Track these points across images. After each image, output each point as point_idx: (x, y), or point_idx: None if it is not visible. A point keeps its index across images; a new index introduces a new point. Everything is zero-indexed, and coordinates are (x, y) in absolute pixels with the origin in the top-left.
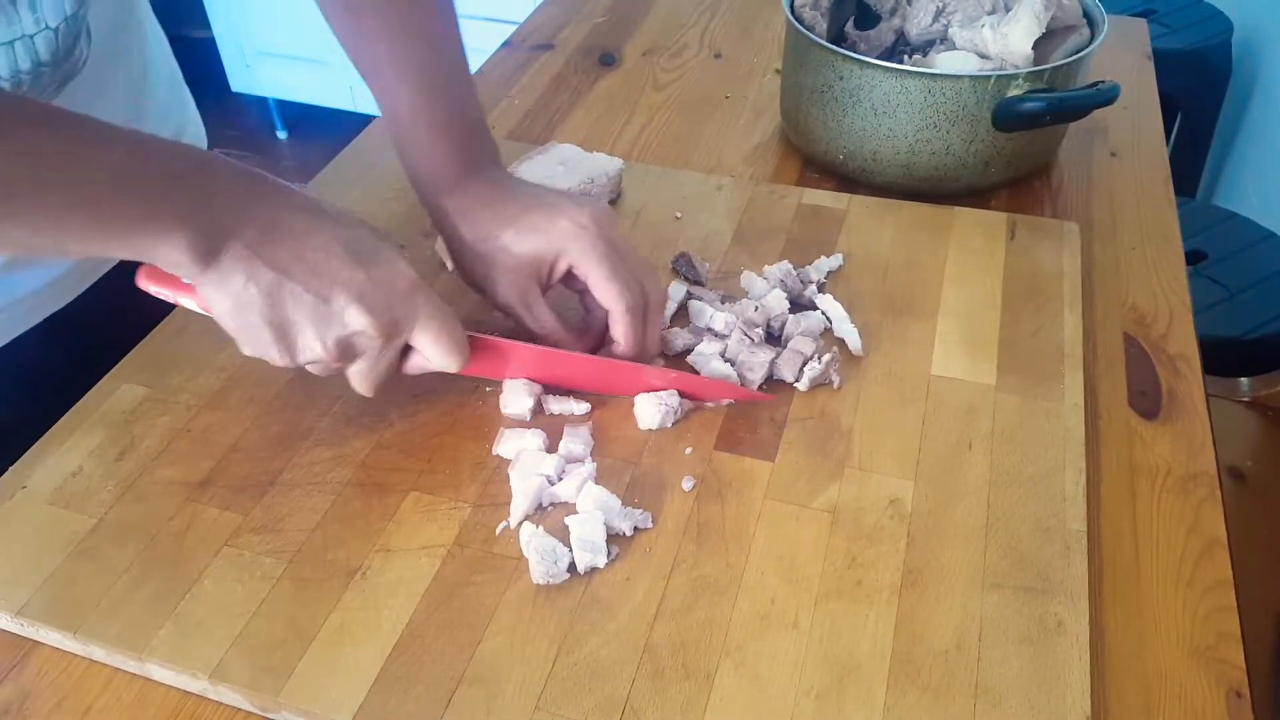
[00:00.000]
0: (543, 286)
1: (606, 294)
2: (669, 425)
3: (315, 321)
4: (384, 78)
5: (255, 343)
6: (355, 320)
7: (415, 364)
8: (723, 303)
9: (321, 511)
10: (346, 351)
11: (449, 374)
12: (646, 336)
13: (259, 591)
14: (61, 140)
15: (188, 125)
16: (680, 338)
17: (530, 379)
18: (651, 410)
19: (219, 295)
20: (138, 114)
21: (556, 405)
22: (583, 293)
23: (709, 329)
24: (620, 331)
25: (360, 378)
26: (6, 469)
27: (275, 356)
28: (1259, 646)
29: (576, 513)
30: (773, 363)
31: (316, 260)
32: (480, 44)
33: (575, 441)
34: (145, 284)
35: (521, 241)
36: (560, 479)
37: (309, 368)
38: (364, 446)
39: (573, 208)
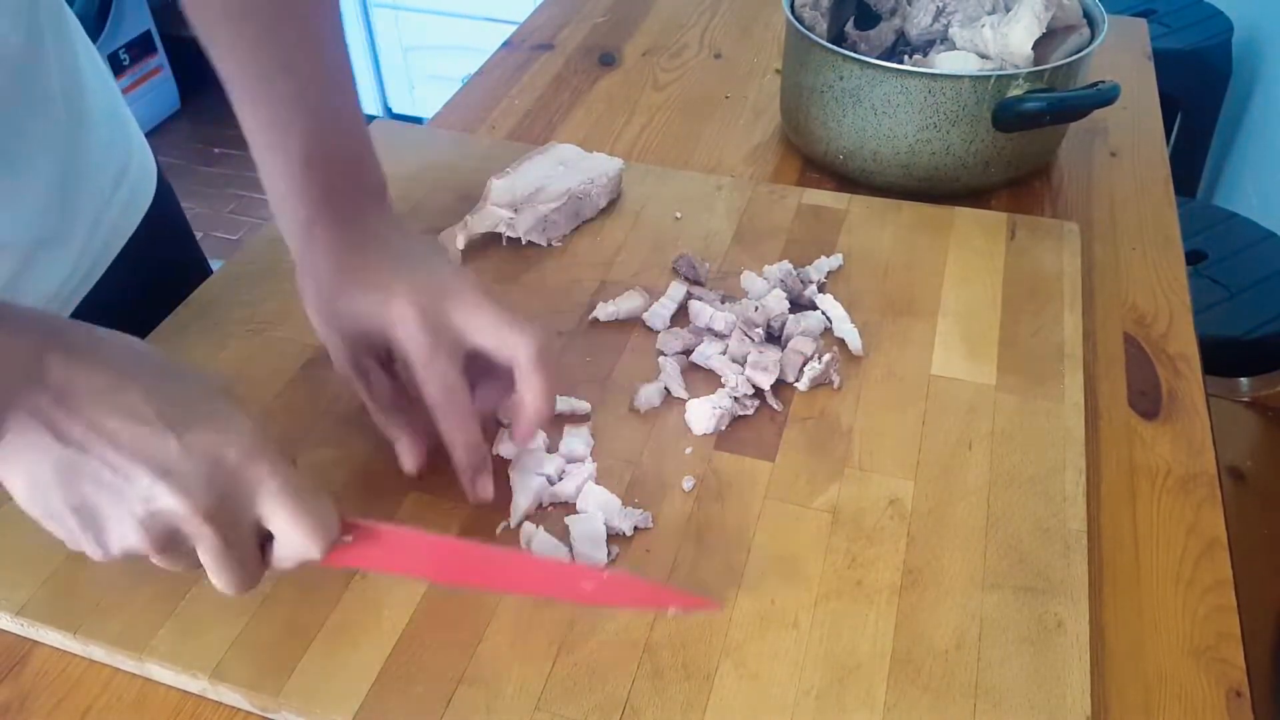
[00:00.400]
0: (380, 360)
1: (425, 377)
2: (724, 428)
3: (120, 504)
4: (239, 99)
5: (62, 531)
6: (165, 500)
7: (280, 554)
8: (723, 303)
9: None
10: (169, 541)
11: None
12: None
13: (259, 591)
14: None
15: (133, 155)
16: (680, 338)
17: (427, 577)
18: (706, 415)
19: (11, 475)
20: (72, 147)
21: (560, 404)
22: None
23: (709, 329)
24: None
25: (215, 574)
26: None
27: (88, 549)
28: (1259, 646)
29: (577, 512)
30: (781, 361)
31: (118, 428)
32: (480, 44)
33: (576, 441)
34: None
35: (353, 308)
36: (561, 479)
37: (161, 561)
38: (364, 446)
39: (406, 284)
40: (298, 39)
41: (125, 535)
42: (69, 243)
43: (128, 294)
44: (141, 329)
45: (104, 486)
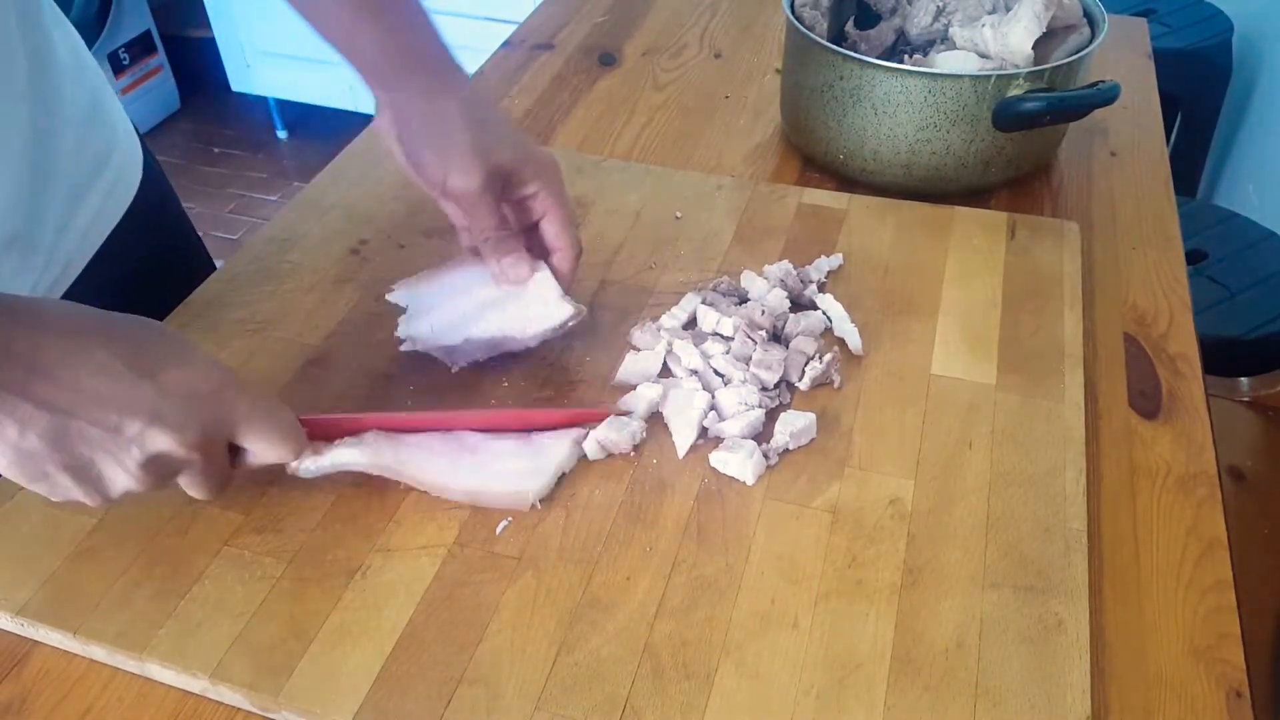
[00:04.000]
0: (496, 192)
1: (563, 239)
2: (760, 430)
3: (114, 454)
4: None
5: (56, 490)
6: (158, 441)
7: (251, 462)
8: (740, 304)
9: (321, 511)
10: (162, 473)
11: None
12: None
13: (259, 591)
14: None
15: (117, 145)
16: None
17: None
18: (687, 435)
19: None
20: (40, 139)
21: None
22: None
23: (716, 334)
24: (565, 269)
25: (193, 489)
26: None
27: (83, 498)
28: (1259, 646)
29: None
30: (785, 361)
31: (96, 387)
32: (480, 44)
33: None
34: None
35: (502, 148)
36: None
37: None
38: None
39: (545, 150)
40: None
41: (122, 482)
42: (37, 242)
43: (117, 288)
44: (161, 305)
45: (95, 443)
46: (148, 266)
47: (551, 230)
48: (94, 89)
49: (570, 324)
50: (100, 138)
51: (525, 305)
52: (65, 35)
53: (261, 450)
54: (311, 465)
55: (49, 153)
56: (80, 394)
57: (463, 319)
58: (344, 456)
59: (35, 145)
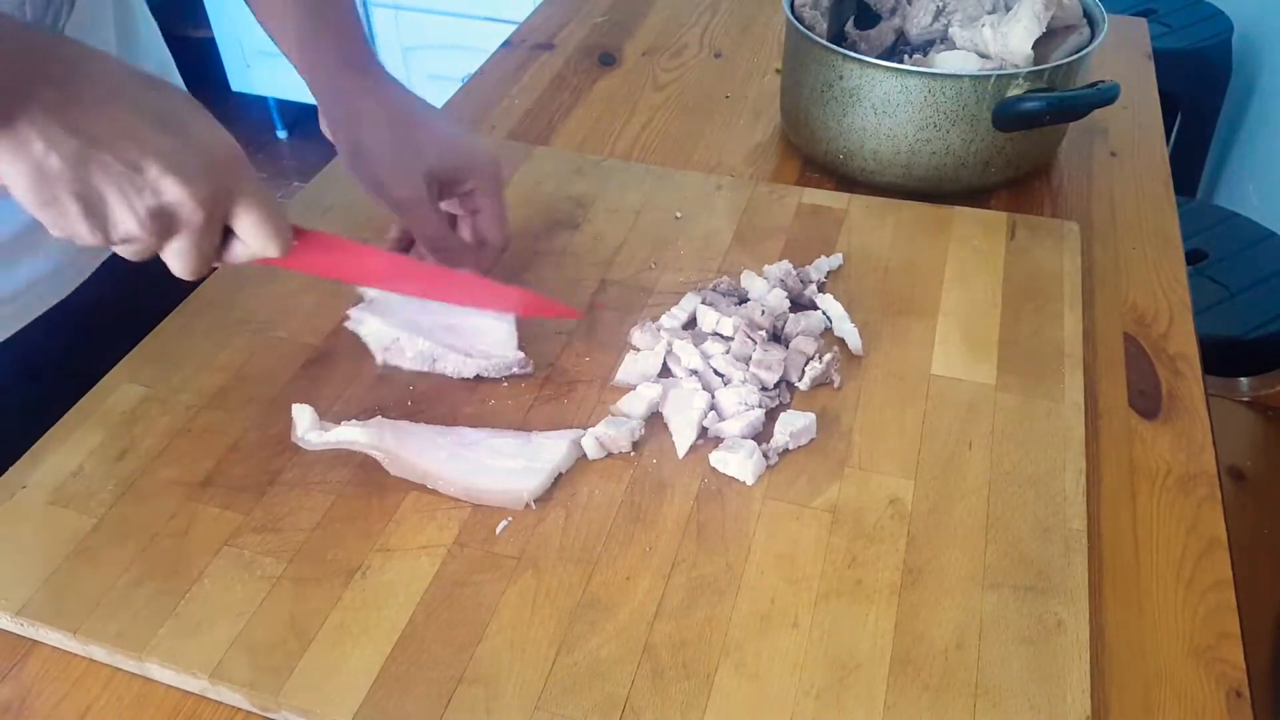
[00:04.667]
0: (434, 197)
1: (493, 229)
2: (760, 430)
3: (127, 193)
4: (281, 36)
5: (61, 219)
6: (171, 190)
7: (236, 252)
8: (740, 304)
9: (321, 511)
10: (164, 226)
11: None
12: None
13: (259, 591)
14: None
15: None
16: (684, 338)
17: (374, 285)
18: (687, 435)
19: (15, 165)
20: None
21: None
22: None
23: (716, 334)
24: (488, 264)
25: (179, 258)
26: (7, 469)
27: (84, 233)
28: (1259, 646)
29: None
30: (785, 361)
31: (125, 125)
32: (480, 44)
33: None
34: None
35: (434, 151)
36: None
37: (123, 249)
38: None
39: (479, 141)
40: None
41: (124, 221)
42: None
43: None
44: (163, 303)
45: (112, 178)
46: None
47: (483, 224)
48: (166, 71)
49: (515, 371)
50: None
51: (473, 338)
52: (146, 18)
53: (251, 234)
54: (316, 439)
55: None
56: (111, 127)
57: (412, 322)
58: (348, 434)
59: None
